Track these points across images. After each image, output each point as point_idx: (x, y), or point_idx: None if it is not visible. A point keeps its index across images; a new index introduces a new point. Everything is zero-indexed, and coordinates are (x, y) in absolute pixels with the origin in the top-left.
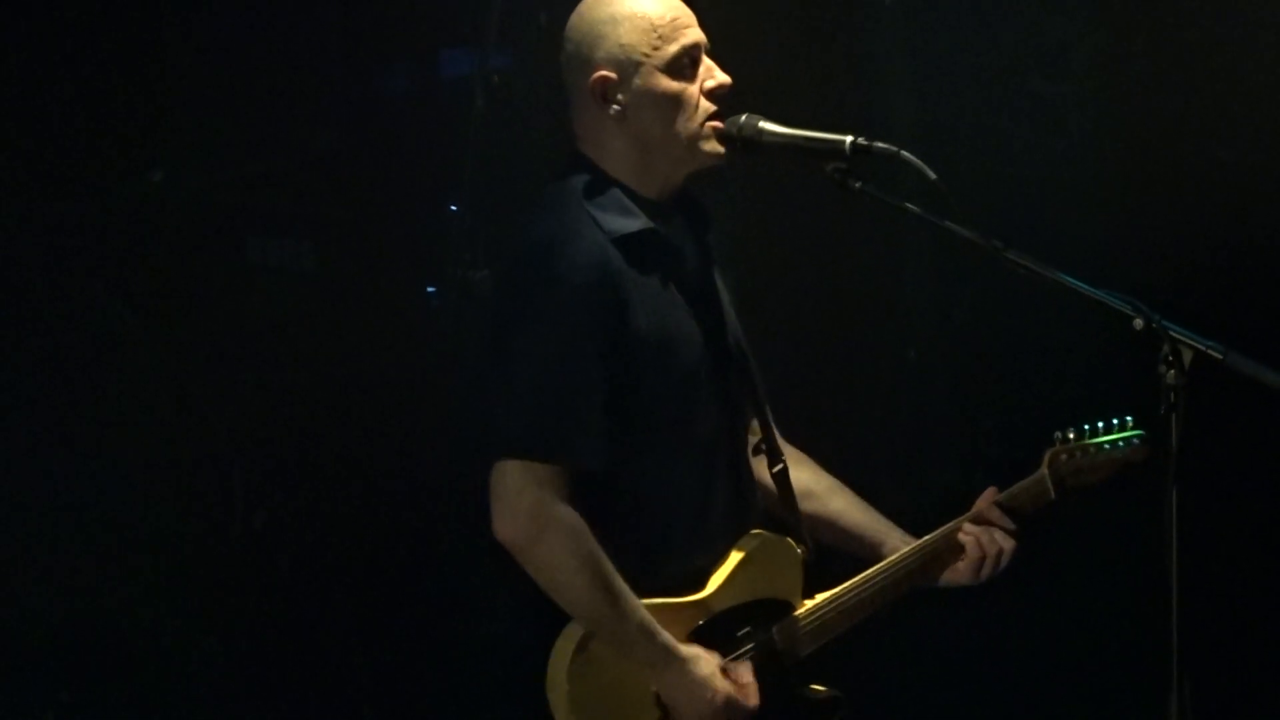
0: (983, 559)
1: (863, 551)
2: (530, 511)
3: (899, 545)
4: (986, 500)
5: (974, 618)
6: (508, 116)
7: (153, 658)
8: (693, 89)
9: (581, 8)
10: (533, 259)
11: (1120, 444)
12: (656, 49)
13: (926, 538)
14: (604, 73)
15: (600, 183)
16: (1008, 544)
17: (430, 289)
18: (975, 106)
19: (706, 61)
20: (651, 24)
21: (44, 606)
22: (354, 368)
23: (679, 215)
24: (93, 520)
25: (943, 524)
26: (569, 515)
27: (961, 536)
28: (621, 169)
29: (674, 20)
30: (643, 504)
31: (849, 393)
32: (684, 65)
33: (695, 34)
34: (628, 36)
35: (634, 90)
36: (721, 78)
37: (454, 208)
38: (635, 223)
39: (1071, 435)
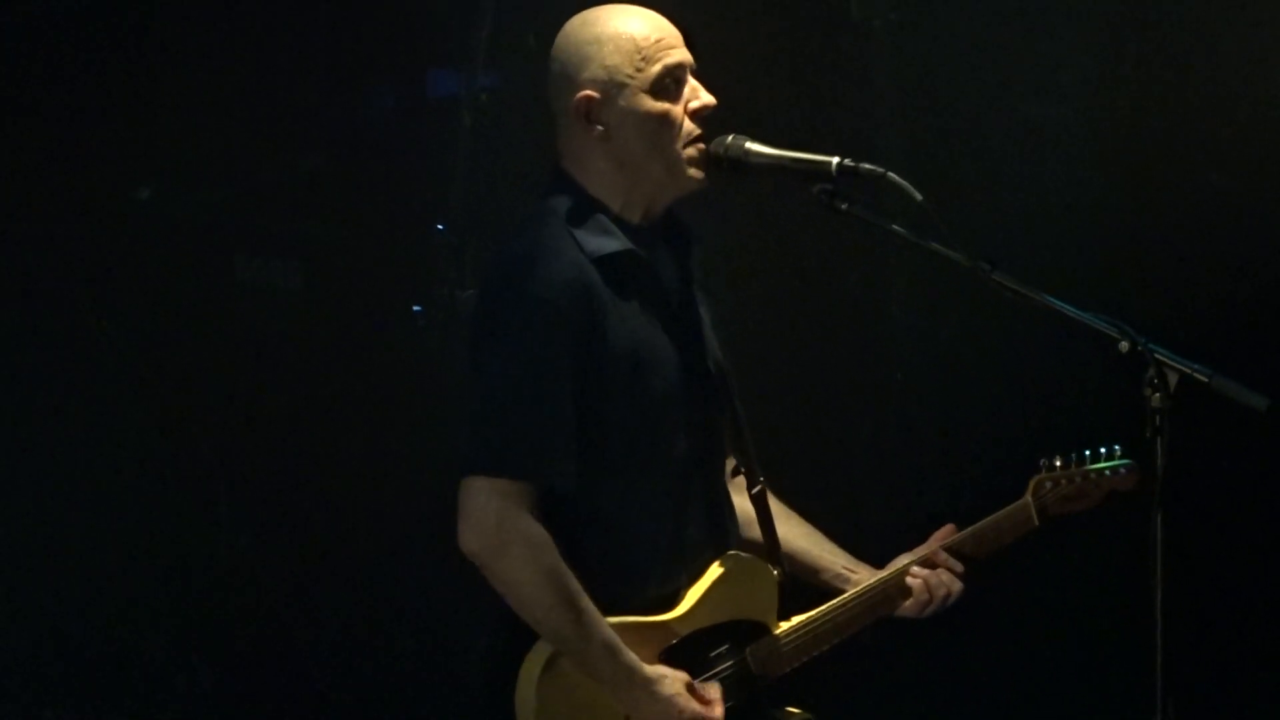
0: (928, 601)
1: (804, 577)
2: (495, 526)
3: (840, 571)
4: (937, 542)
5: (950, 634)
6: (495, 136)
7: (138, 678)
8: (677, 110)
9: (567, 27)
10: (508, 276)
11: (1107, 472)
12: (640, 70)
13: (875, 579)
14: (588, 93)
15: (582, 203)
16: (954, 586)
17: (417, 308)
18: (964, 128)
19: (692, 82)
20: (636, 45)
21: (28, 625)
22: (340, 386)
23: (662, 237)
24: (77, 539)
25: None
26: (534, 530)
27: (909, 579)
28: (604, 190)
29: (658, 41)
30: (616, 525)
31: (835, 414)
32: (668, 86)
33: (680, 54)
34: (612, 57)
35: (617, 111)
36: (706, 98)
37: (440, 227)
38: (614, 243)
39: (1058, 463)
